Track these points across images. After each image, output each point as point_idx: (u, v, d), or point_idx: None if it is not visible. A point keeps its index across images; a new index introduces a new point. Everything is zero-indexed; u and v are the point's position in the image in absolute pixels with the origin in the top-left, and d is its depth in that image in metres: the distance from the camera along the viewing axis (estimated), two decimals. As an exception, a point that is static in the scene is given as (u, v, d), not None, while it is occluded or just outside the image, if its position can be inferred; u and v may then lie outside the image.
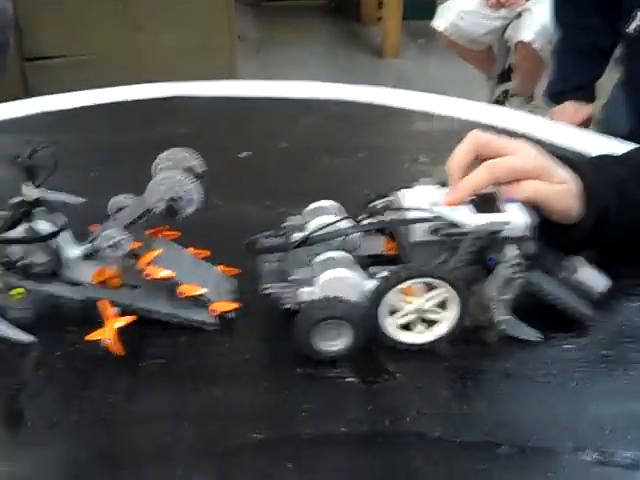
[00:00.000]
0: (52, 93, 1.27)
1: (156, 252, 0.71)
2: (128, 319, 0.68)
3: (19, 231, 0.70)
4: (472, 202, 0.71)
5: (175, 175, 0.69)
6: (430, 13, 2.81)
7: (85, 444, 0.59)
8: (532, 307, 0.72)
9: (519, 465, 0.58)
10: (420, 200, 0.71)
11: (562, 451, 0.59)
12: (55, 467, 0.58)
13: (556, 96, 1.72)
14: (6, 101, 1.24)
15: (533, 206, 0.71)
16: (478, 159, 0.73)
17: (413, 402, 0.64)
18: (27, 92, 2.88)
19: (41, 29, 2.90)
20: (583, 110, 1.68)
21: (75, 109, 1.21)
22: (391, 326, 0.68)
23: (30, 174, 0.68)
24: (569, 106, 1.66)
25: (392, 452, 0.59)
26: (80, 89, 1.27)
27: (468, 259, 0.68)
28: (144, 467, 0.57)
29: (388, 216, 0.76)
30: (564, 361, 0.68)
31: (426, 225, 0.69)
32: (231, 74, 3.04)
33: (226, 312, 0.72)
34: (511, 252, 0.67)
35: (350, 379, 0.66)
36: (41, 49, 2.93)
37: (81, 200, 0.80)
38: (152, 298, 0.71)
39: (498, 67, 2.61)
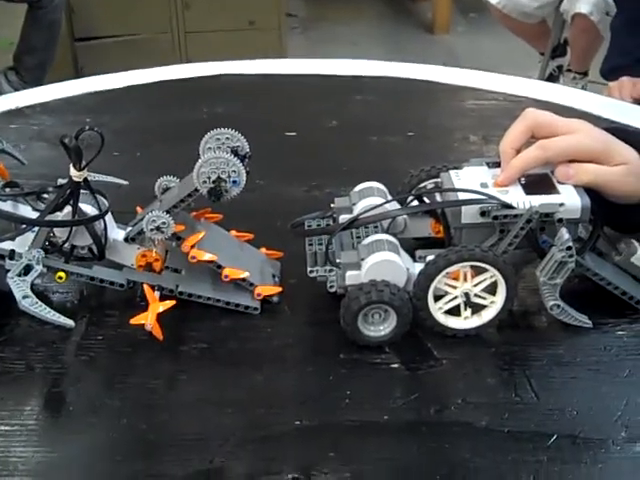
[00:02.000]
0: (101, 73, 1.27)
1: (200, 235, 0.70)
2: (170, 303, 0.67)
3: (64, 213, 0.69)
4: (525, 183, 0.68)
5: (222, 156, 0.68)
6: (482, -13, 2.75)
7: (127, 429, 0.59)
8: (584, 291, 0.70)
9: (569, 457, 0.56)
10: (470, 181, 0.69)
11: (614, 442, 0.57)
12: (96, 452, 0.58)
13: (613, 71, 1.66)
14: (56, 81, 1.24)
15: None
16: (533, 139, 0.70)
17: (459, 390, 0.62)
18: (77, 72, 2.90)
19: (92, 9, 2.91)
20: None
21: (122, 89, 1.21)
22: (438, 311, 0.67)
23: (76, 156, 0.68)
24: (626, 81, 1.61)
25: (437, 442, 0.58)
26: (129, 69, 1.27)
27: (519, 242, 0.66)
28: (185, 453, 0.57)
29: (437, 198, 0.74)
30: (616, 348, 0.66)
31: (476, 207, 0.67)
32: (280, 53, 3.02)
33: (270, 296, 0.71)
34: (565, 235, 0.65)
35: (395, 365, 0.65)
36: (91, 29, 2.95)
37: (125, 182, 0.80)
38: (195, 282, 0.71)
39: (552, 41, 2.55)
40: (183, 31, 2.99)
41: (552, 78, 2.50)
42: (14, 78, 2.65)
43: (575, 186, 0.68)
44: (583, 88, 2.42)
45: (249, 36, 2.97)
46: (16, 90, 2.47)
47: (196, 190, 0.69)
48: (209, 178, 0.68)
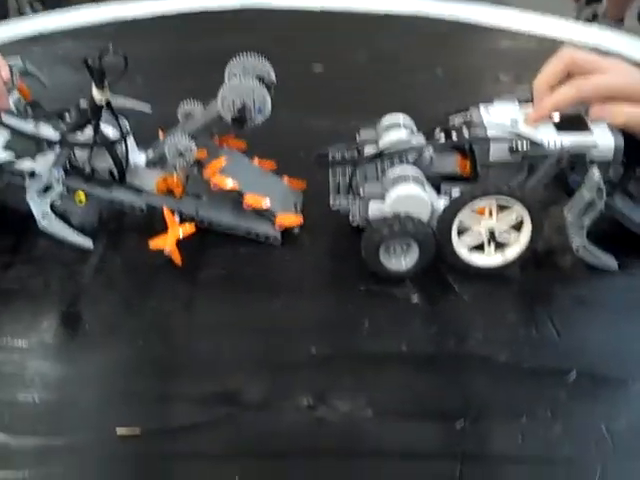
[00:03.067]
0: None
1: (222, 162, 0.69)
2: (189, 229, 0.66)
3: (86, 135, 0.68)
4: (557, 122, 0.67)
5: (247, 82, 0.66)
6: None
7: (142, 350, 0.59)
8: (611, 233, 0.69)
9: (587, 393, 0.56)
10: (500, 117, 0.68)
11: (632, 382, 0.57)
12: (111, 372, 0.57)
13: None
14: (78, 4, 1.23)
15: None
16: (569, 78, 0.68)
17: (479, 325, 0.61)
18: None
19: None
20: None
21: (143, 19, 1.19)
22: (461, 247, 0.66)
23: (99, 76, 0.67)
24: None
25: (454, 374, 0.57)
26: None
27: (548, 181, 0.64)
28: (199, 375, 0.57)
29: (465, 133, 0.72)
30: (640, 290, 0.65)
31: (505, 144, 0.65)
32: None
33: (291, 226, 0.70)
34: (596, 175, 0.63)
35: (415, 298, 0.64)
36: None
37: (149, 107, 0.78)
38: (216, 208, 0.70)
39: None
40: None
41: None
42: (39, 7, 2.63)
43: (609, 126, 0.66)
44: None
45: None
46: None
47: (220, 116, 0.68)
48: (233, 105, 0.67)
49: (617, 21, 2.41)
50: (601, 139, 0.65)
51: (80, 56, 0.65)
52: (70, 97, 0.70)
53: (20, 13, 2.59)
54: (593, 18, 2.44)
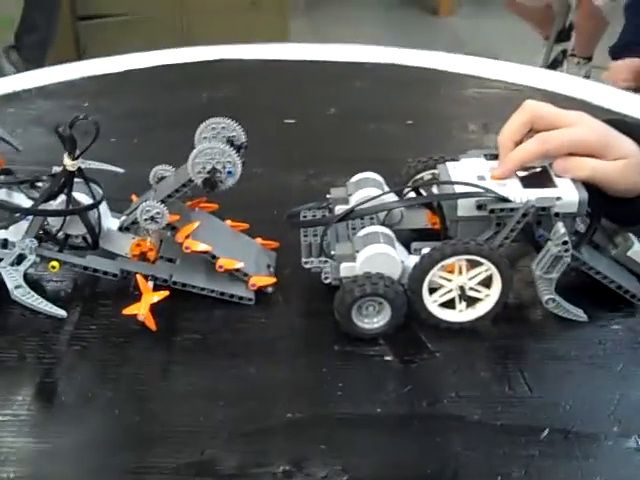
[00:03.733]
0: (104, 52, 1.26)
1: (195, 225, 0.70)
2: (163, 294, 0.67)
3: (58, 202, 0.69)
4: (523, 177, 0.68)
5: (217, 146, 0.67)
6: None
7: (118, 420, 0.59)
8: (579, 285, 0.70)
9: (561, 451, 0.56)
10: (467, 173, 0.69)
11: (606, 437, 0.57)
12: (88, 443, 0.57)
13: (622, 47, 1.64)
14: (58, 60, 1.23)
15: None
16: (533, 132, 0.70)
17: (452, 383, 0.62)
18: (79, 51, 2.88)
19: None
20: None
21: (122, 73, 1.20)
22: (432, 304, 0.66)
23: (70, 145, 0.67)
24: (621, 65, 1.59)
25: (429, 435, 0.58)
26: (132, 48, 1.27)
27: (515, 235, 0.65)
28: (176, 445, 0.56)
29: (433, 190, 0.74)
30: (611, 342, 0.66)
31: (472, 200, 0.66)
32: (283, 34, 3.00)
33: (264, 286, 0.71)
34: (561, 229, 0.64)
35: (389, 357, 0.65)
36: (94, 7, 2.92)
37: (121, 170, 0.79)
38: (189, 272, 0.71)
39: (557, 25, 2.53)
40: (186, 11, 2.97)
41: (556, 63, 2.48)
42: (15, 57, 2.63)
43: (573, 180, 0.67)
44: (587, 73, 2.40)
45: (251, 17, 2.95)
46: (17, 69, 2.46)
47: (190, 180, 0.68)
48: (204, 168, 0.68)
49: (586, 59, 2.45)
50: (565, 193, 0.66)
51: (54, 117, 0.66)
52: (45, 159, 0.70)
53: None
54: (563, 55, 2.48)
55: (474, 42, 3.17)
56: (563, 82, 1.15)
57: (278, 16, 3.04)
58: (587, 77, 2.31)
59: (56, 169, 0.70)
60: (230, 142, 0.70)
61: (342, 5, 3.75)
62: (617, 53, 1.67)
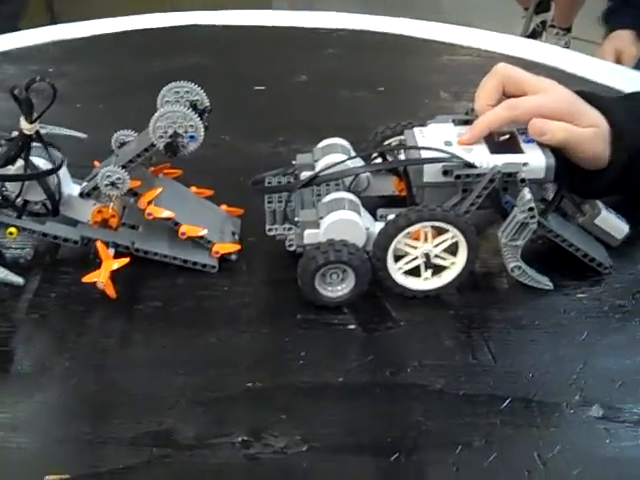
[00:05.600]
0: (77, 19, 1.23)
1: (157, 191, 0.69)
2: (124, 261, 0.66)
3: (16, 167, 0.67)
4: (490, 142, 0.67)
5: (179, 109, 0.66)
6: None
7: (76, 390, 0.58)
8: (546, 253, 0.69)
9: (523, 420, 0.56)
10: (434, 139, 0.68)
11: (568, 406, 0.57)
12: (43, 415, 0.56)
13: (611, 12, 1.59)
14: (30, 28, 1.21)
15: (553, 148, 0.67)
16: (505, 96, 0.69)
17: (416, 352, 0.61)
18: (53, 20, 2.83)
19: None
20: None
21: (89, 38, 1.18)
22: (397, 272, 0.66)
23: (27, 108, 0.66)
24: (626, 34, 1.55)
25: (391, 404, 0.57)
26: (106, 15, 1.24)
27: (481, 202, 0.65)
28: (134, 414, 0.56)
29: (400, 155, 0.73)
30: (576, 311, 0.65)
31: (438, 165, 0.65)
32: (265, 3, 2.97)
33: (228, 254, 0.70)
34: (527, 195, 0.64)
35: (352, 326, 0.64)
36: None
37: (84, 136, 0.77)
38: (152, 239, 0.69)
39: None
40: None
41: (535, 33, 2.47)
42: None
43: (541, 146, 0.67)
44: (566, 44, 2.39)
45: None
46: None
47: (152, 145, 0.67)
48: (165, 132, 0.66)
49: (564, 29, 2.43)
50: (532, 159, 0.65)
51: (18, 81, 0.64)
52: (10, 124, 0.68)
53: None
54: (542, 26, 2.47)
55: (454, 13, 3.15)
56: (536, 50, 1.14)
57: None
58: (567, 48, 2.30)
59: (15, 133, 0.68)
60: (193, 106, 0.68)
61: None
62: (609, 16, 1.62)
